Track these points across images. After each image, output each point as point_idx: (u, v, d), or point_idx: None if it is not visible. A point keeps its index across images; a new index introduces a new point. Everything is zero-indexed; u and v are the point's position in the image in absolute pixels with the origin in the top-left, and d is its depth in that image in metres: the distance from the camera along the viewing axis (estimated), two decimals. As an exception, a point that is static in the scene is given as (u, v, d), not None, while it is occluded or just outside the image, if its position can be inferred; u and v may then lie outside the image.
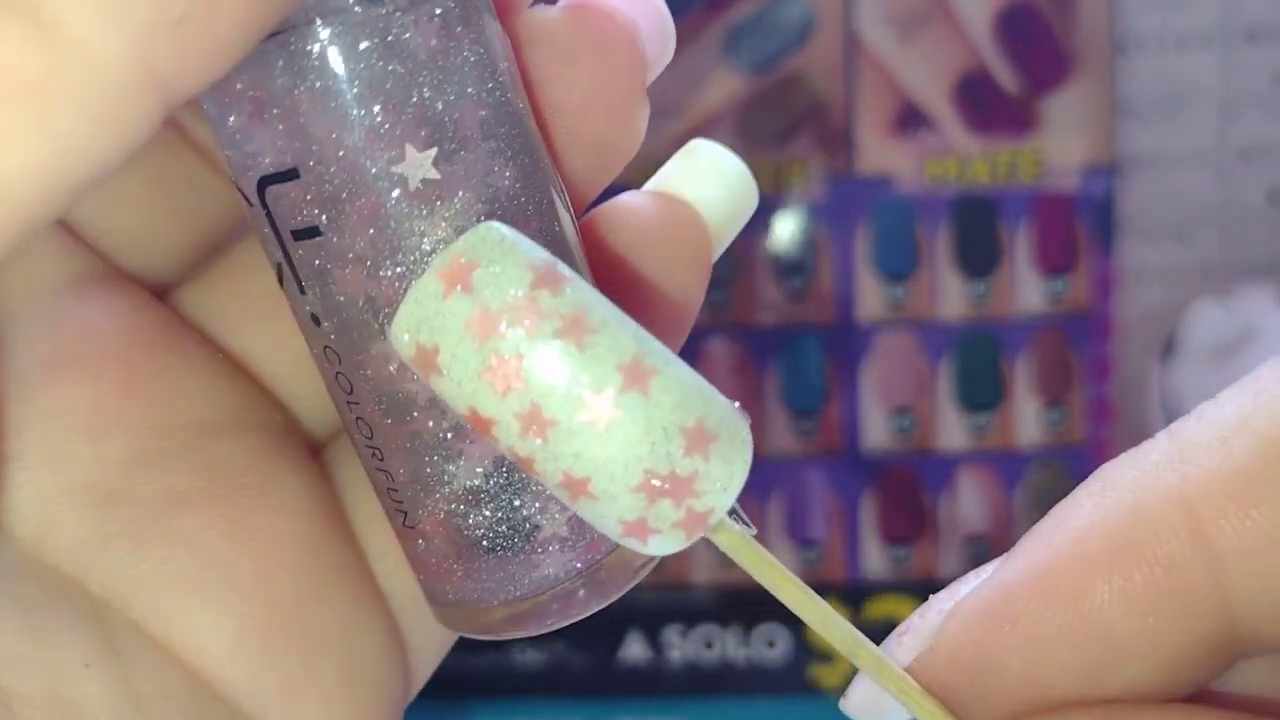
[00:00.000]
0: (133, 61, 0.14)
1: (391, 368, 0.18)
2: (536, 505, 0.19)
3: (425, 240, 0.18)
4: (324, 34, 0.17)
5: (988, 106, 0.59)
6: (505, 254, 0.17)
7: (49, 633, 0.19)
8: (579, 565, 0.19)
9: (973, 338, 0.60)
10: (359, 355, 0.18)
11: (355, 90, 0.17)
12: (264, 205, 0.18)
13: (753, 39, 0.58)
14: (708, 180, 0.20)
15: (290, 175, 0.17)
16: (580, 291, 0.17)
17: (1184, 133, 0.60)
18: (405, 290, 0.18)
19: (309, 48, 0.17)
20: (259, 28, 0.15)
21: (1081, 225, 0.59)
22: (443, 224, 0.18)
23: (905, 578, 0.60)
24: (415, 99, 0.17)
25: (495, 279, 0.16)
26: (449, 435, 0.19)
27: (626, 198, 0.22)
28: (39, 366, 0.20)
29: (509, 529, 0.19)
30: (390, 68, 0.17)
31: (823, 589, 0.60)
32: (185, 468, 0.20)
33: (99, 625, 0.19)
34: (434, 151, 0.17)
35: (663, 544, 0.17)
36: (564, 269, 0.17)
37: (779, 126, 0.59)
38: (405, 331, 0.17)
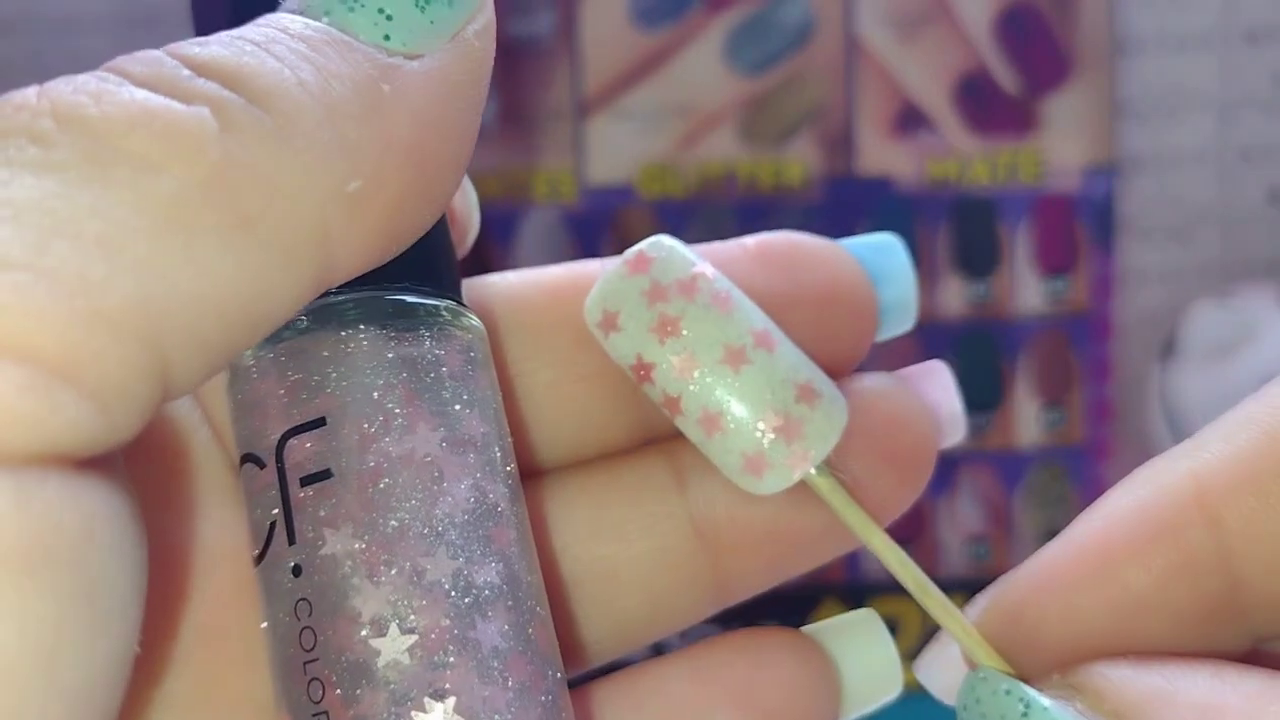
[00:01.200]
0: (311, 218, 0.17)
1: (361, 633, 0.19)
2: None
3: (420, 506, 0.20)
4: (350, 324, 0.20)
5: (988, 107, 0.59)
6: (673, 251, 0.22)
7: None
8: None
9: (973, 338, 0.60)
10: (333, 610, 0.19)
11: (377, 367, 0.20)
12: (279, 459, 0.20)
13: (753, 39, 0.58)
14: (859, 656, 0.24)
15: (316, 424, 0.20)
16: (725, 282, 0.22)
17: (1184, 133, 0.60)
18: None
19: (345, 334, 0.20)
20: (414, 213, 0.19)
21: (1081, 225, 0.59)
22: (436, 502, 0.20)
23: (905, 578, 0.60)
24: (433, 391, 0.20)
25: (665, 265, 0.22)
26: (397, 703, 0.19)
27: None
28: None
29: None
30: (414, 361, 0.20)
31: (823, 589, 0.60)
32: None
33: None
34: (442, 432, 0.20)
35: (774, 479, 0.21)
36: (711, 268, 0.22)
37: (779, 126, 0.59)
38: (596, 304, 0.22)
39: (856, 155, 0.59)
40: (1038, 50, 0.58)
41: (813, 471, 0.21)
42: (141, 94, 0.17)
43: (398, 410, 0.20)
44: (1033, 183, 0.59)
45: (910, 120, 0.59)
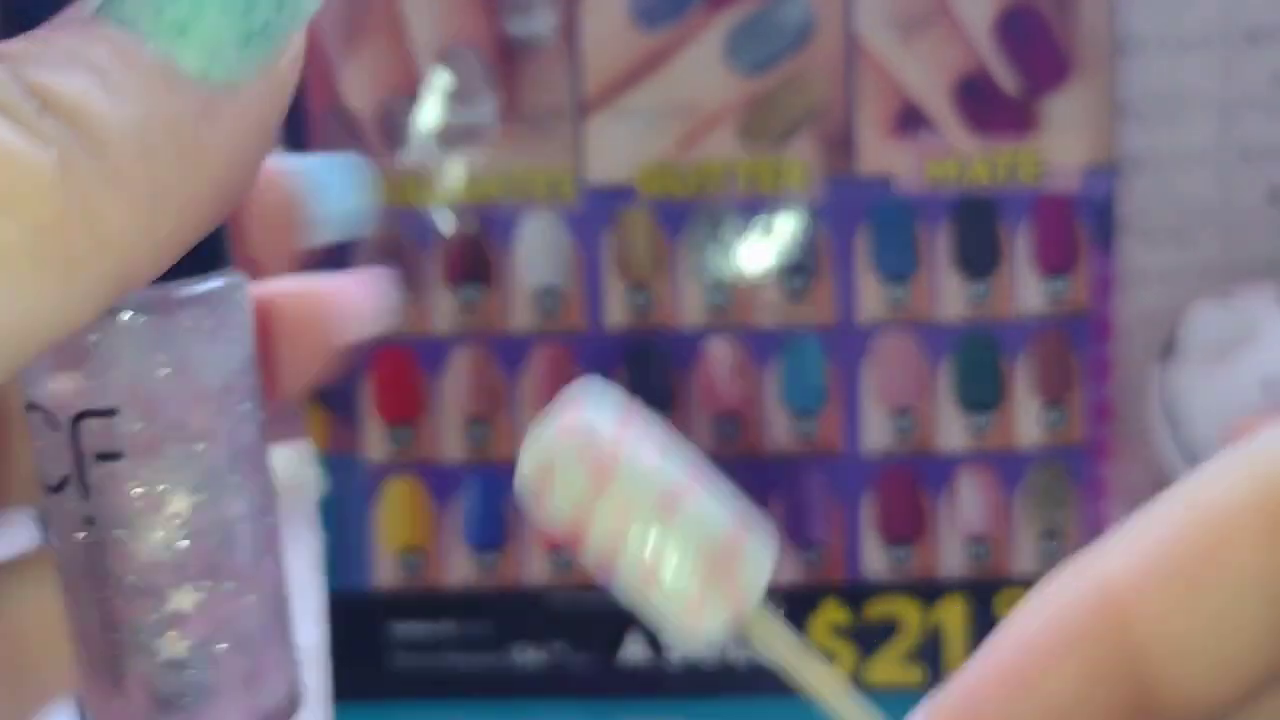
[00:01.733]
0: (123, 259, 0.18)
1: (145, 556, 0.24)
2: (219, 675, 0.25)
3: (197, 462, 0.24)
4: (137, 319, 0.24)
5: (988, 107, 0.59)
6: (600, 405, 0.22)
7: None
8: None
9: (973, 338, 0.60)
10: (120, 550, 0.24)
11: (159, 355, 0.24)
12: (73, 433, 0.24)
13: (753, 39, 0.58)
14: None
15: (109, 413, 0.24)
16: (654, 428, 0.22)
17: (1184, 133, 0.60)
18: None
19: (123, 320, 0.24)
20: (207, 230, 0.20)
21: (1082, 226, 0.59)
22: (208, 457, 0.24)
23: (905, 578, 0.60)
24: (201, 369, 0.24)
25: (594, 421, 0.22)
26: (170, 619, 0.25)
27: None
28: None
29: (199, 691, 0.25)
30: (180, 342, 0.24)
31: (822, 589, 0.60)
32: None
33: None
34: (215, 401, 0.24)
35: (714, 624, 0.22)
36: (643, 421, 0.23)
37: (779, 126, 0.59)
38: (529, 460, 0.22)
39: (856, 155, 0.59)
40: (1038, 50, 0.58)
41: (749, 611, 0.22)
42: None
43: (175, 386, 0.24)
44: (1033, 183, 0.59)
45: (910, 120, 0.59)
